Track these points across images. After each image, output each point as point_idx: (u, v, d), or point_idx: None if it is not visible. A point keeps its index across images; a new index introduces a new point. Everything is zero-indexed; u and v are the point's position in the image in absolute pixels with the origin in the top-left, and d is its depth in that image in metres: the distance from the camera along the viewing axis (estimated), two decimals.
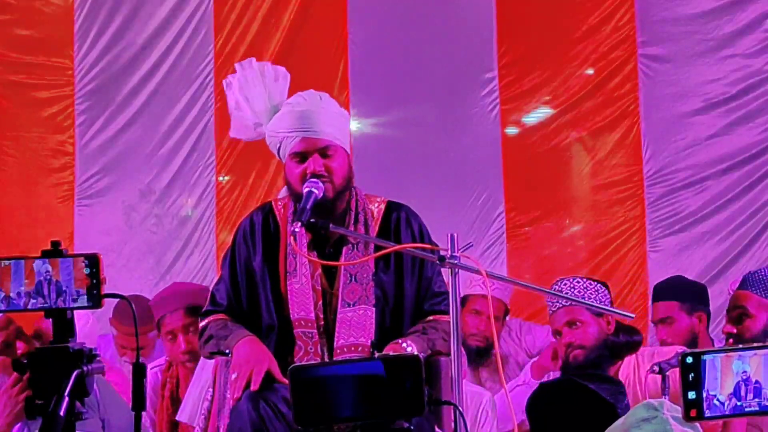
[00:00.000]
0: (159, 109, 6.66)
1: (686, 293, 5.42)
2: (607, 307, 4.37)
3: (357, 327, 3.84)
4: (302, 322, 3.83)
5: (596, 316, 4.59)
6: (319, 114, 3.93)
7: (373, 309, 3.87)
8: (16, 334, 4.90)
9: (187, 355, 4.89)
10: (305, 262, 3.86)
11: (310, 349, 3.81)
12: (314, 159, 3.87)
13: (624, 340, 4.61)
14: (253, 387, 3.64)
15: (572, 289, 4.59)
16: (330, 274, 3.92)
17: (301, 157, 3.90)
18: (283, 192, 4.08)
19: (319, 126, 3.91)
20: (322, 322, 3.85)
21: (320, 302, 3.86)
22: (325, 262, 3.88)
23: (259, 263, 3.92)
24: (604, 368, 4.48)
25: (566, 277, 4.74)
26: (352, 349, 3.82)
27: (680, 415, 2.80)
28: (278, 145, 3.96)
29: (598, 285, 4.68)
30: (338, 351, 3.82)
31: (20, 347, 4.80)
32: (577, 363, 4.52)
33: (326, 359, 3.80)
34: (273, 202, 4.04)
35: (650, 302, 5.67)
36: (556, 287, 4.64)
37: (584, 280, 4.69)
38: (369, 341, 3.78)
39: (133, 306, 3.09)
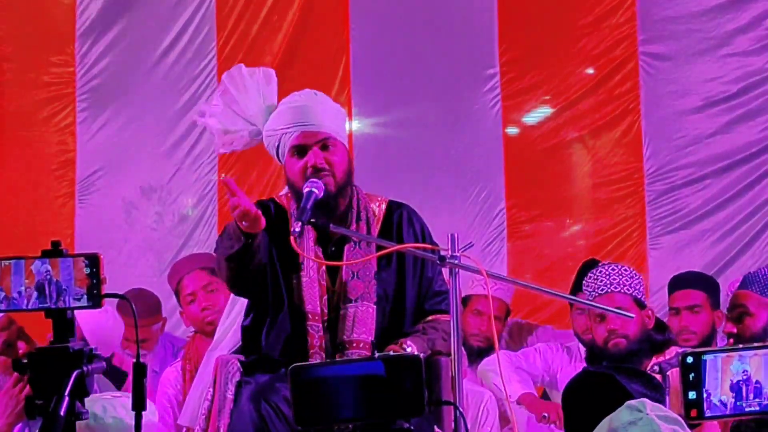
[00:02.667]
0: (160, 107, 6.66)
1: (712, 289, 5.45)
2: (607, 307, 4.37)
3: (359, 323, 3.85)
4: (310, 315, 3.84)
5: (639, 308, 4.59)
6: (317, 108, 3.94)
7: (375, 306, 3.88)
8: (18, 335, 4.90)
9: (207, 311, 4.90)
10: (312, 255, 3.87)
11: (316, 342, 3.82)
12: (314, 152, 3.87)
13: (663, 339, 4.60)
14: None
15: (608, 276, 4.60)
16: (333, 270, 3.92)
17: (301, 151, 3.89)
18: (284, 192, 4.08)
19: (317, 119, 3.91)
20: (326, 317, 3.86)
21: (325, 297, 3.87)
22: (327, 262, 3.88)
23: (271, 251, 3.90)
24: (641, 363, 4.47)
25: (605, 263, 4.74)
26: (354, 345, 3.83)
27: (664, 414, 2.81)
28: (277, 144, 3.95)
29: (633, 271, 4.69)
30: (341, 347, 3.83)
31: (21, 347, 4.80)
32: (617, 351, 4.51)
33: (330, 354, 3.81)
34: (276, 197, 4.05)
35: (666, 290, 5.65)
36: (593, 273, 4.64)
37: (620, 266, 4.70)
38: (370, 338, 3.79)
39: (133, 304, 3.08)
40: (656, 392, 3.11)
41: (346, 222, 3.94)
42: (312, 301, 3.85)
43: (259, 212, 3.62)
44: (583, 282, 4.73)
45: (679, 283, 5.48)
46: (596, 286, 4.61)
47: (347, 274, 3.89)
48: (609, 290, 4.57)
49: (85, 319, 5.22)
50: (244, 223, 3.60)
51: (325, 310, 3.86)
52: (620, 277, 4.60)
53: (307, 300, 3.84)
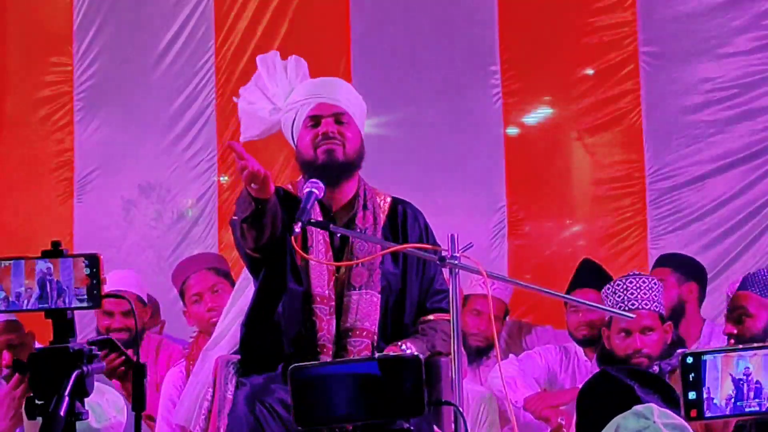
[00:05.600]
0: (158, 105, 6.66)
1: (679, 263, 5.46)
2: (607, 308, 4.36)
3: (363, 311, 3.86)
4: (318, 298, 3.85)
5: (661, 323, 4.59)
6: (338, 85, 4.04)
7: (379, 295, 3.89)
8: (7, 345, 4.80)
9: (213, 312, 4.88)
10: (321, 240, 3.89)
11: (324, 326, 3.83)
12: (328, 122, 3.91)
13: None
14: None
15: (638, 290, 4.58)
16: (338, 256, 3.94)
17: (316, 121, 3.93)
18: None
19: (336, 94, 3.97)
20: (333, 302, 3.86)
21: (332, 282, 3.88)
22: (331, 263, 3.90)
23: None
24: None
25: (633, 274, 4.72)
26: (357, 333, 3.83)
27: (671, 421, 2.80)
28: (293, 119, 3.97)
29: (656, 282, 4.67)
30: (344, 334, 3.84)
31: (5, 358, 4.71)
32: (638, 368, 4.49)
33: (334, 340, 3.82)
34: (282, 187, 4.06)
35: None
36: (622, 284, 4.61)
37: (648, 278, 4.67)
38: (374, 327, 3.80)
39: (134, 305, 3.09)
40: (674, 408, 3.08)
41: (352, 208, 3.96)
42: (320, 284, 3.87)
43: (268, 173, 3.62)
44: (606, 290, 4.70)
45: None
46: (624, 298, 4.57)
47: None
48: (639, 306, 4.55)
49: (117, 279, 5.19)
50: (253, 185, 3.60)
51: (332, 295, 3.86)
52: (650, 291, 4.59)
53: (315, 283, 3.86)
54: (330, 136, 3.89)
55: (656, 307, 4.58)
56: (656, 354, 4.53)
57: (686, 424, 2.76)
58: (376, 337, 3.85)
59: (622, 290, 4.59)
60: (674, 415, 2.85)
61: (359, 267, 3.90)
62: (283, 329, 3.87)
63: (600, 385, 3.40)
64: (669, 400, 3.18)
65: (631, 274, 4.71)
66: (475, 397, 5.05)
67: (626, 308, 4.55)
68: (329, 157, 3.86)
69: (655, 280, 4.70)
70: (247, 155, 3.59)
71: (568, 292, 5.31)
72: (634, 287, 4.59)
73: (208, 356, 4.07)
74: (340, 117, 3.93)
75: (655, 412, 2.81)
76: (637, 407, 2.85)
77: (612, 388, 3.28)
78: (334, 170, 3.89)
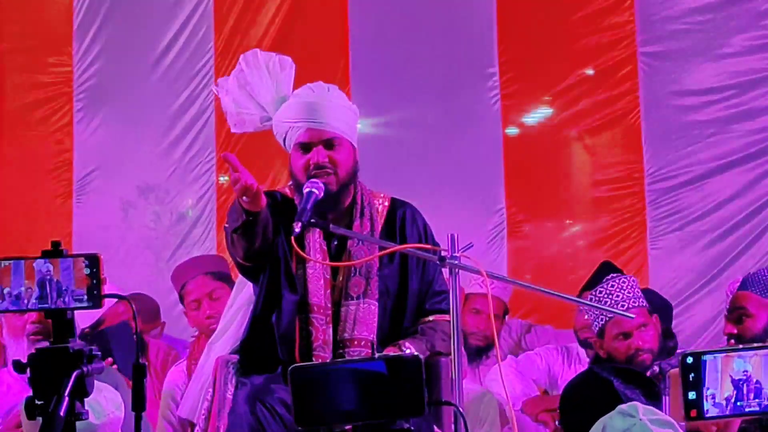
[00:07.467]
0: (158, 106, 6.66)
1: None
2: (608, 308, 4.36)
3: (360, 321, 3.86)
4: (315, 307, 3.84)
5: (650, 315, 4.60)
6: (326, 106, 3.93)
7: (377, 304, 3.88)
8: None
9: (212, 319, 4.88)
10: (318, 248, 3.88)
11: (320, 335, 3.83)
12: (318, 150, 3.88)
13: (674, 344, 4.63)
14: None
15: (622, 291, 4.58)
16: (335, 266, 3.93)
17: (306, 147, 3.90)
18: None
19: (324, 118, 3.91)
20: (330, 312, 3.86)
21: (328, 291, 3.87)
22: (330, 263, 3.89)
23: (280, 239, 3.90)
24: None
25: (617, 275, 4.72)
26: (355, 343, 3.83)
27: (656, 417, 2.80)
28: (284, 135, 3.96)
29: (635, 279, 4.69)
30: (341, 344, 3.84)
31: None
32: (644, 366, 4.50)
33: (331, 350, 3.82)
34: (280, 190, 4.05)
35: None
36: (604, 289, 4.62)
37: (629, 278, 4.68)
38: (372, 336, 3.80)
39: (134, 306, 3.08)
40: (653, 401, 3.09)
41: (350, 217, 3.95)
42: (317, 293, 3.86)
43: (261, 188, 3.62)
44: (590, 300, 4.69)
45: None
46: (612, 303, 4.55)
47: (350, 271, 3.90)
48: (628, 306, 4.56)
49: None
50: (244, 198, 3.60)
51: (329, 304, 3.86)
52: (632, 289, 4.60)
53: (312, 292, 3.86)
54: (321, 166, 3.86)
55: (642, 302, 4.61)
56: (656, 348, 4.55)
57: (671, 420, 2.77)
58: (374, 345, 3.84)
59: (606, 296, 4.59)
60: (659, 411, 2.86)
61: (357, 276, 3.89)
62: (279, 336, 3.86)
63: (582, 381, 3.41)
64: (651, 395, 3.19)
65: (609, 277, 4.71)
66: (474, 396, 5.06)
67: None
68: (323, 190, 3.83)
69: (632, 277, 4.72)
70: (241, 168, 3.58)
71: (582, 290, 5.31)
72: (617, 290, 4.60)
73: (213, 348, 4.08)
74: (330, 141, 3.90)
75: (639, 409, 2.82)
76: (622, 406, 2.87)
77: (593, 384, 3.29)
78: (330, 199, 3.87)
